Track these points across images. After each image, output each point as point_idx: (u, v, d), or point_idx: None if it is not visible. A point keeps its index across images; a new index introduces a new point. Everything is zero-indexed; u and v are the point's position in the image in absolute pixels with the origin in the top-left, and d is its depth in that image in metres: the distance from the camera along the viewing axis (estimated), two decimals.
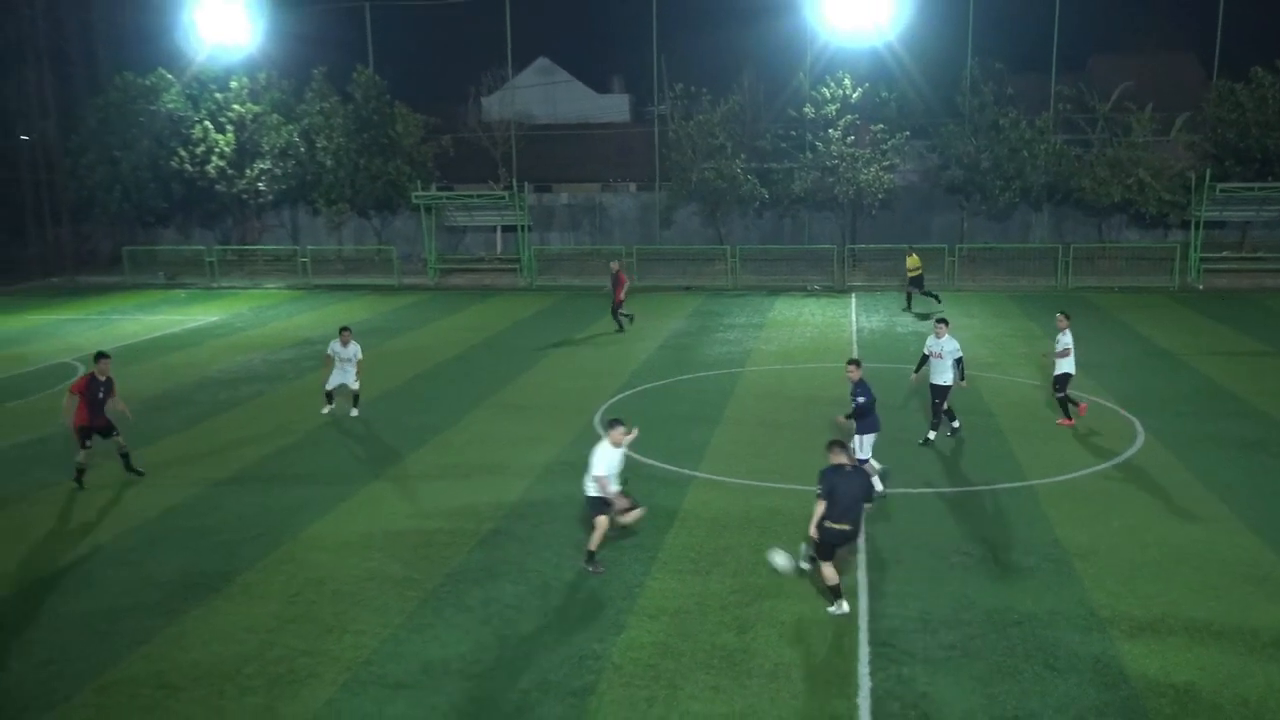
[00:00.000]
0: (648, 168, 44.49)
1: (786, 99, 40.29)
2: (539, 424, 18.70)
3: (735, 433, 17.90)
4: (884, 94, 39.32)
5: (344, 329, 19.70)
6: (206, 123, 42.41)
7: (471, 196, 40.76)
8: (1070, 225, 40.62)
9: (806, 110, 39.13)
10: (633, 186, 47.79)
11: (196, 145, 42.31)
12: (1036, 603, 11.11)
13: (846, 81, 38.68)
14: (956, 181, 39.55)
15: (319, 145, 41.90)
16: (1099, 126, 40.05)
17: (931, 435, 17.05)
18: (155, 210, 43.66)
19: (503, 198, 39.65)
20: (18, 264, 42.85)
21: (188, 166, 42.28)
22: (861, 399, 14.31)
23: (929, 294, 30.63)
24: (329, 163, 41.72)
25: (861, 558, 12.36)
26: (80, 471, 15.61)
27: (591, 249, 42.89)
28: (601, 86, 58.53)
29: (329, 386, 19.61)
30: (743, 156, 40.24)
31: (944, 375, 16.79)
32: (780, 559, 11.57)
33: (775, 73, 42.70)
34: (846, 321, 28.99)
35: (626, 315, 28.35)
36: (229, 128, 42.57)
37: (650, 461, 16.20)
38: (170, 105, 42.26)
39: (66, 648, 10.52)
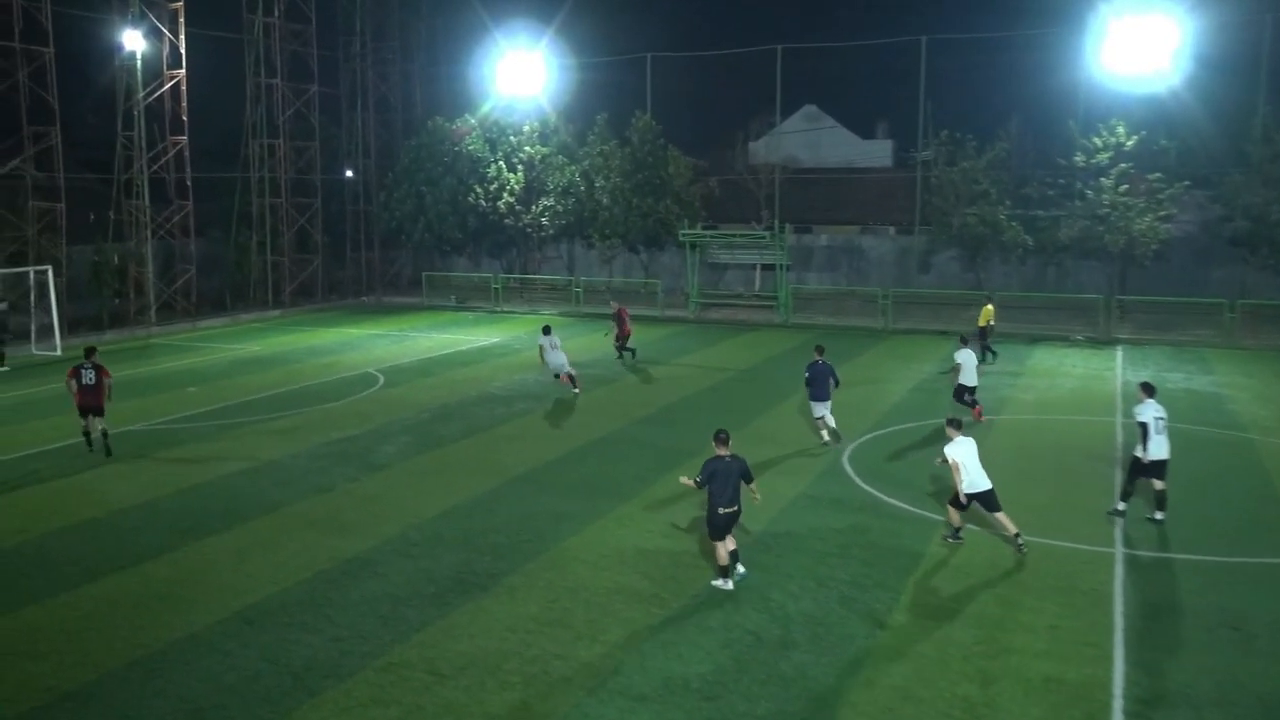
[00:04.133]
0: (908, 212, 43.38)
1: (1056, 147, 38.20)
2: (787, 456, 18.54)
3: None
4: (1162, 141, 36.55)
5: (546, 327, 24.91)
6: (501, 163, 45.13)
7: (734, 235, 41.14)
8: None
9: (1077, 159, 36.95)
10: (892, 230, 46.69)
11: (491, 183, 45.07)
12: None
13: (1120, 129, 36.26)
14: (1241, 234, 36.12)
15: (597, 184, 43.60)
16: None
17: (1120, 506, 14.98)
18: (451, 240, 46.77)
19: (764, 237, 39.76)
20: (336, 283, 47.12)
21: (482, 202, 45.10)
22: (807, 374, 19.17)
23: (985, 348, 28.43)
24: (605, 201, 43.32)
25: (1118, 619, 11.43)
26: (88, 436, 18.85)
27: (848, 290, 42.22)
28: (866, 132, 57.72)
29: (554, 373, 24.29)
30: (1007, 203, 38.49)
31: (1143, 445, 14.53)
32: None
33: (1045, 119, 40.63)
34: (1111, 375, 27.02)
35: (629, 350, 29.17)
36: (519, 168, 45.10)
37: (896, 503, 15.70)
38: (471, 148, 45.26)
39: (355, 627, 11.34)
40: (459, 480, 17.07)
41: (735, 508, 12.27)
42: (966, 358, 20.93)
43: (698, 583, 12.53)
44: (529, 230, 45.79)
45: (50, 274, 31.22)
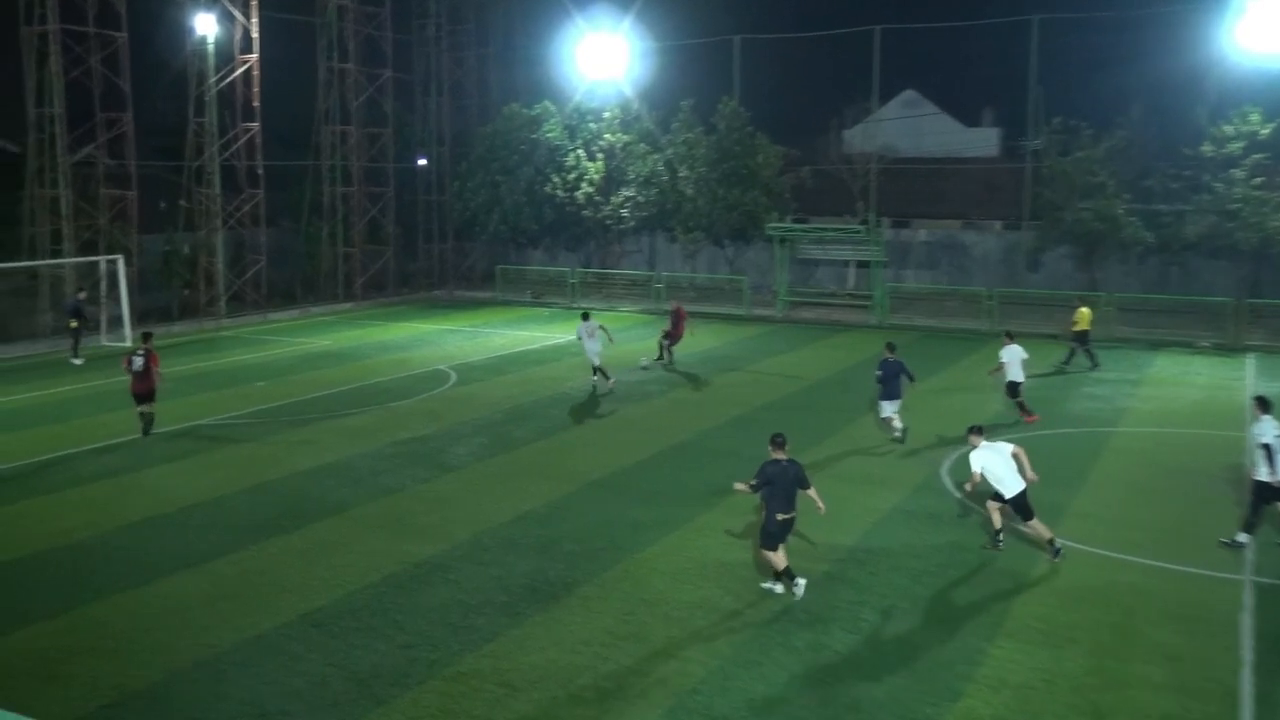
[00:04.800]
0: (1015, 206, 42.51)
1: (1182, 135, 37.04)
2: (882, 467, 18.35)
3: (1099, 497, 16.63)
4: None
5: (585, 313, 26.37)
6: (580, 151, 45.40)
7: (826, 230, 40.80)
8: None
9: (1205, 148, 35.83)
10: (998, 225, 45.79)
11: (569, 172, 45.39)
12: None
13: (1254, 117, 35.05)
14: None
15: (681, 174, 43.62)
16: None
17: (1241, 538, 14.22)
18: (527, 232, 47.23)
19: (858, 232, 39.37)
20: (408, 276, 47.96)
21: (559, 192, 45.44)
22: (879, 372, 20.03)
23: (1088, 351, 28.39)
24: (689, 191, 43.32)
25: (1245, 653, 11.06)
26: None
27: (949, 289, 41.52)
28: (971, 120, 56.75)
29: (595, 363, 25.04)
30: (1126, 196, 37.49)
31: (1270, 466, 13.89)
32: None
33: (1169, 105, 39.40)
34: (1239, 385, 26.15)
35: (669, 352, 28.82)
36: (599, 156, 45.32)
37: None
38: (549, 135, 45.62)
39: (424, 634, 11.54)
40: (532, 484, 17.26)
41: (792, 514, 12.56)
42: (1012, 354, 21.66)
43: (783, 598, 12.49)
44: (608, 222, 45.96)
45: (121, 263, 32.34)
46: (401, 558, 13.87)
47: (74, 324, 29.39)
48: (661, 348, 28.89)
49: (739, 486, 13.00)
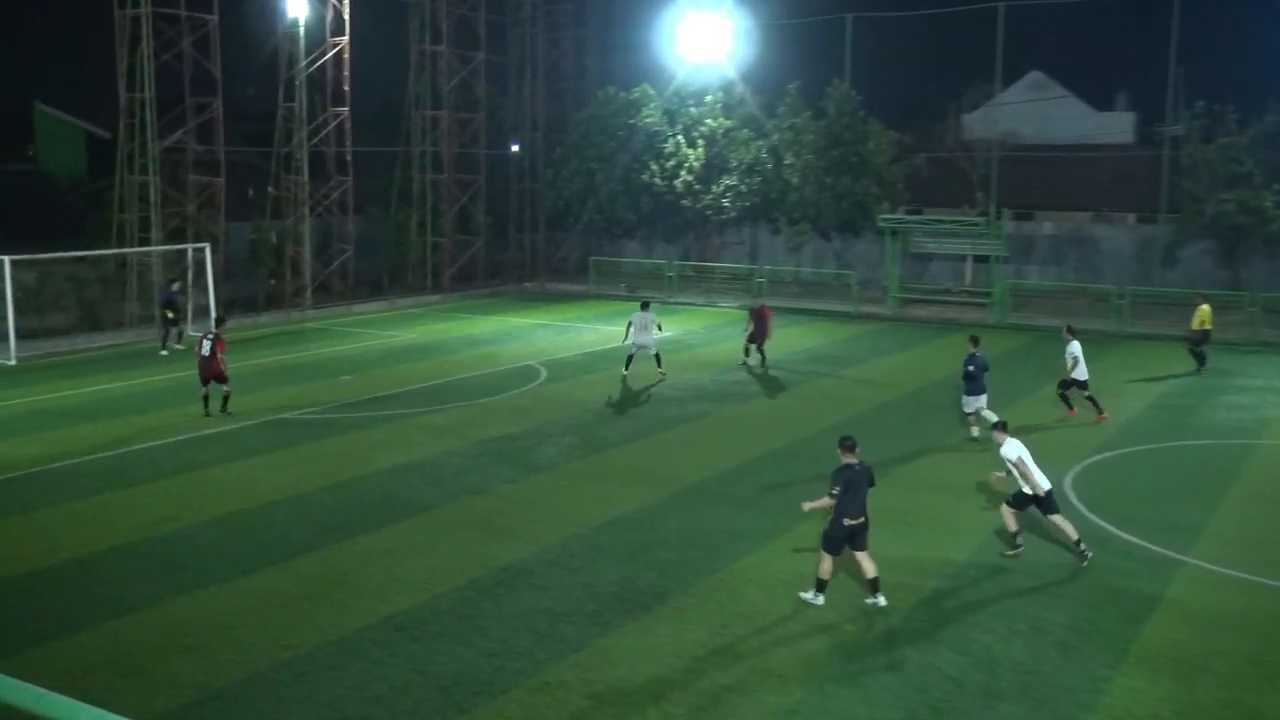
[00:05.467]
0: (1151, 197, 41.26)
1: None
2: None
3: (1242, 515, 16.07)
4: None
5: (645, 302, 27.16)
6: (679, 137, 45.37)
7: (942, 222, 40.12)
8: None
9: None
10: (1131, 218, 44.51)
11: (668, 159, 45.38)
12: None
13: None
14: None
15: (786, 162, 43.31)
16: None
17: None
18: (623, 222, 47.37)
19: (977, 224, 38.65)
20: (499, 267, 48.49)
21: (657, 180, 45.45)
22: (970, 367, 20.01)
23: (1196, 354, 27.87)
24: (795, 180, 42.99)
25: None
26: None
27: (1076, 286, 40.49)
28: (1103, 104, 55.28)
29: (632, 353, 25.89)
30: (1275, 187, 36.16)
31: None
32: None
33: None
34: None
35: (761, 354, 28.27)
36: (700, 143, 45.25)
37: (1128, 537, 15.00)
38: (647, 120, 45.67)
39: (509, 642, 11.69)
40: (624, 488, 17.34)
41: (862, 519, 12.57)
42: (1081, 350, 21.89)
43: (890, 616, 12.34)
44: (708, 213, 45.87)
45: (208, 251, 33.35)
46: (486, 561, 14.05)
47: (170, 314, 30.37)
48: (748, 350, 28.69)
49: (810, 505, 12.99)
